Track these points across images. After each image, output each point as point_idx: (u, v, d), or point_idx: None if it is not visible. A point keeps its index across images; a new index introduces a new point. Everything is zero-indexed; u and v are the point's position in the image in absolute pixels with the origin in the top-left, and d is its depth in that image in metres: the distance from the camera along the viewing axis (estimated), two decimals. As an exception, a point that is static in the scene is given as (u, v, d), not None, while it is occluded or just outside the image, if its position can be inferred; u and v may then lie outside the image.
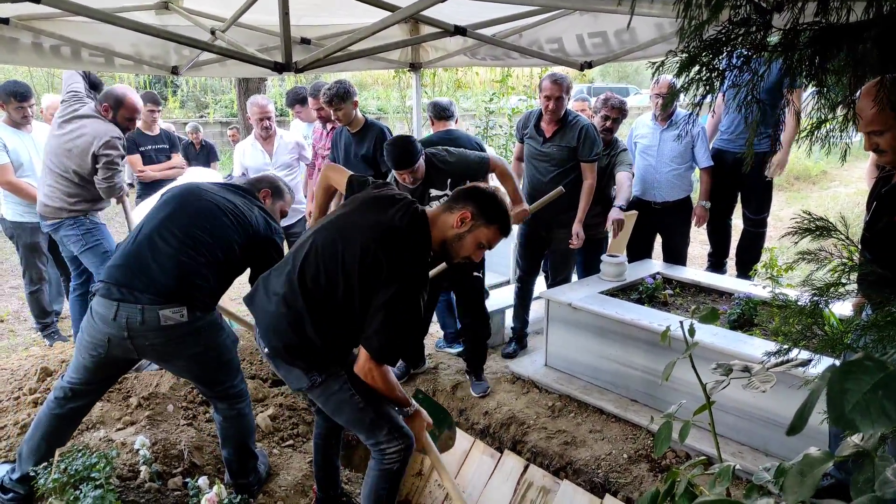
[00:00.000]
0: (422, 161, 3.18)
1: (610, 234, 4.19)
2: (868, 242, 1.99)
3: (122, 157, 3.68)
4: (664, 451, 1.78)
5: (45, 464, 2.44)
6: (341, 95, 3.92)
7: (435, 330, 4.39)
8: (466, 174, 3.33)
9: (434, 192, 3.35)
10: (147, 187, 5.26)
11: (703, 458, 1.34)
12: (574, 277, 4.31)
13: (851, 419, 0.63)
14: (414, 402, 2.49)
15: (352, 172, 2.66)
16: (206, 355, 2.58)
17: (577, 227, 3.82)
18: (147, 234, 2.52)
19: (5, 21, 3.19)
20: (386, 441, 2.32)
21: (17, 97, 4.18)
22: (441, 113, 4.10)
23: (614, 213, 3.93)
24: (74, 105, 3.67)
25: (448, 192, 3.33)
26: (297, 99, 5.38)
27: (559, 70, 4.03)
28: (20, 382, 3.50)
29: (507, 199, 2.30)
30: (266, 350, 2.30)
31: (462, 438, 3.62)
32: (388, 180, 2.69)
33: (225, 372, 2.66)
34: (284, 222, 4.77)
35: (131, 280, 2.42)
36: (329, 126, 4.48)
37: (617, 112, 4.07)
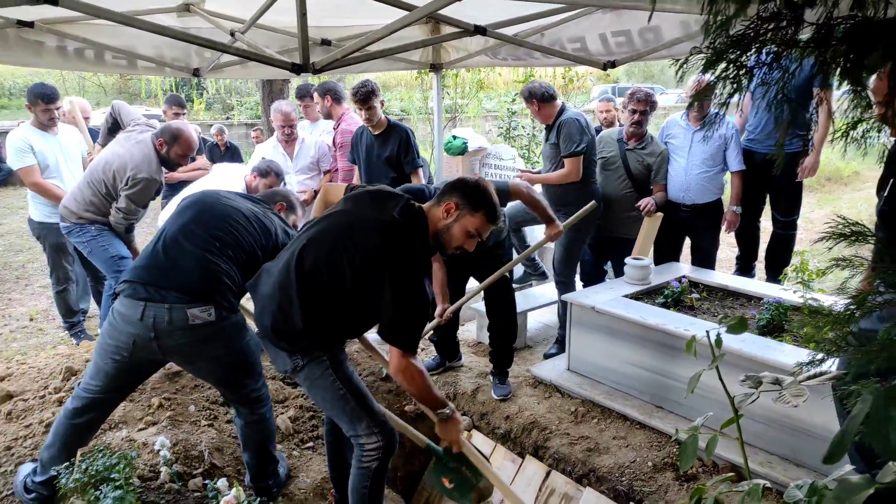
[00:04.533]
0: None
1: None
2: (888, 217, 2.04)
3: (146, 195, 3.65)
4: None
5: (67, 463, 2.46)
6: (375, 91, 4.06)
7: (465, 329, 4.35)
8: None
9: None
10: (172, 188, 5.30)
11: (731, 474, 1.28)
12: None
13: (896, 450, 0.58)
14: (451, 404, 2.42)
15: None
16: (230, 357, 2.58)
17: (646, 200, 4.01)
18: (172, 236, 2.54)
19: (30, 25, 3.23)
20: (365, 435, 2.34)
21: (45, 99, 4.23)
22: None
23: (647, 199, 4.02)
24: (139, 128, 3.72)
25: None
26: (305, 93, 5.35)
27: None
28: (46, 381, 3.54)
29: (493, 189, 2.33)
30: (258, 331, 2.40)
31: (483, 443, 3.58)
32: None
33: (247, 375, 2.65)
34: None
35: (157, 279, 2.43)
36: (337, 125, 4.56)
37: (644, 105, 4.02)
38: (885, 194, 2.19)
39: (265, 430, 2.75)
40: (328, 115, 4.80)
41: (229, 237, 2.55)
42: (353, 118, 4.73)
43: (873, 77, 1.77)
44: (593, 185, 3.99)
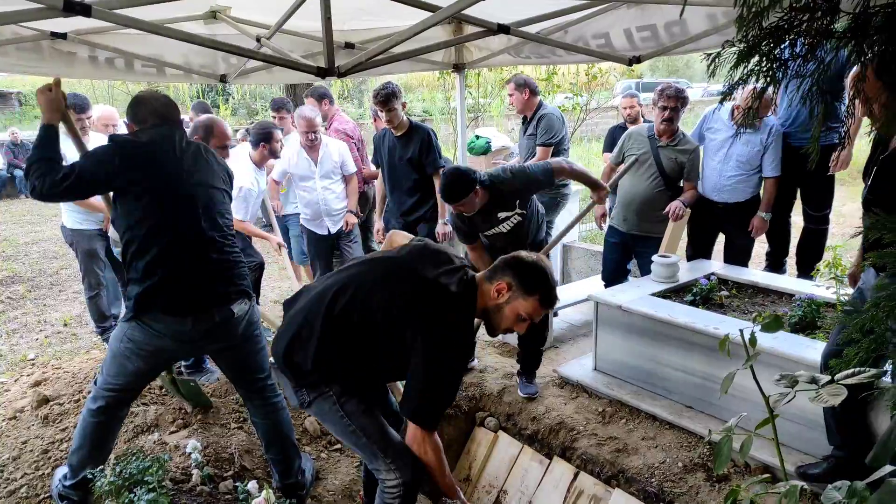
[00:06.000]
0: (472, 196, 3.06)
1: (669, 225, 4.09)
2: (872, 205, 2.11)
3: None
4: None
5: (101, 467, 2.50)
6: (395, 94, 4.12)
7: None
8: (531, 189, 3.33)
9: (502, 214, 3.30)
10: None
11: (766, 475, 1.26)
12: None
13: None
14: (462, 497, 2.27)
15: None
16: (256, 332, 2.75)
17: (674, 205, 3.95)
18: (177, 240, 2.47)
19: (63, 36, 3.30)
20: (385, 471, 2.20)
21: (77, 109, 4.30)
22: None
23: (676, 204, 3.95)
24: None
25: (518, 210, 3.31)
26: (281, 105, 5.51)
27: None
28: (80, 385, 3.62)
29: (552, 271, 2.18)
30: (271, 359, 2.29)
31: (510, 444, 3.57)
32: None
33: (264, 356, 2.80)
34: (322, 231, 4.78)
35: (195, 291, 2.50)
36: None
37: (675, 101, 3.91)
38: (869, 182, 2.28)
39: (280, 420, 2.84)
40: (324, 117, 5.05)
41: (225, 224, 2.62)
42: (344, 117, 5.22)
43: (853, 72, 1.85)
44: None
